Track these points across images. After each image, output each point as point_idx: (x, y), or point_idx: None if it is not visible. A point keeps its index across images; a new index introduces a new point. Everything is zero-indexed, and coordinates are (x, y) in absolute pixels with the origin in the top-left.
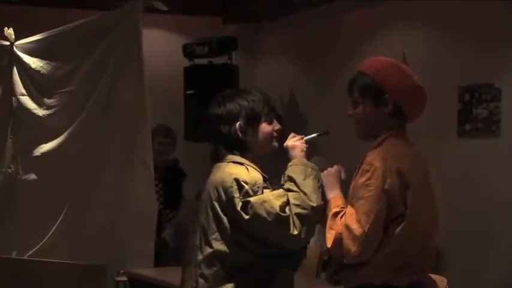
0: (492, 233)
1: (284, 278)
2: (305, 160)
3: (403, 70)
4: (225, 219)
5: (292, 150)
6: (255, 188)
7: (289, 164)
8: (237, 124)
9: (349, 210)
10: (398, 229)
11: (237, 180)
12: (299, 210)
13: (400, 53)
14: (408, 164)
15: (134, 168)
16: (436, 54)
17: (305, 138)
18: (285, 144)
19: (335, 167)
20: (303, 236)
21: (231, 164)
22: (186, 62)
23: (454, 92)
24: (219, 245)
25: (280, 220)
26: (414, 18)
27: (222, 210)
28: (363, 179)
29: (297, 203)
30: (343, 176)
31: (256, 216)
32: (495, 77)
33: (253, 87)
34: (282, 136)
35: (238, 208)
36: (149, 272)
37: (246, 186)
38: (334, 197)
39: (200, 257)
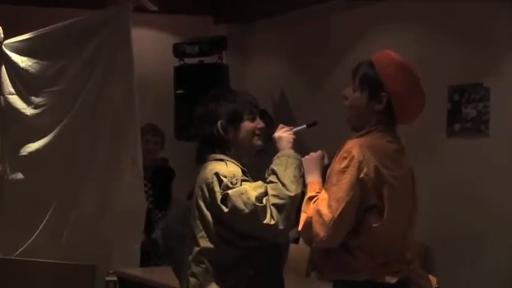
0: (481, 233)
1: (272, 274)
2: (289, 151)
3: (410, 74)
4: (209, 215)
5: (279, 142)
6: (234, 181)
7: (275, 156)
8: (219, 123)
9: (322, 195)
10: (376, 224)
11: (216, 175)
12: (276, 201)
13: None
14: (388, 159)
15: (123, 168)
16: (426, 54)
17: (294, 129)
18: (273, 135)
19: (318, 152)
20: (281, 226)
21: (213, 161)
22: (176, 62)
23: (444, 92)
24: (205, 242)
25: (256, 210)
26: (404, 19)
27: (206, 207)
28: (339, 166)
29: (274, 193)
30: (326, 161)
31: (234, 208)
32: (484, 77)
33: (243, 87)
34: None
35: (219, 202)
36: (139, 272)
37: (225, 180)
38: (312, 181)
39: (190, 257)
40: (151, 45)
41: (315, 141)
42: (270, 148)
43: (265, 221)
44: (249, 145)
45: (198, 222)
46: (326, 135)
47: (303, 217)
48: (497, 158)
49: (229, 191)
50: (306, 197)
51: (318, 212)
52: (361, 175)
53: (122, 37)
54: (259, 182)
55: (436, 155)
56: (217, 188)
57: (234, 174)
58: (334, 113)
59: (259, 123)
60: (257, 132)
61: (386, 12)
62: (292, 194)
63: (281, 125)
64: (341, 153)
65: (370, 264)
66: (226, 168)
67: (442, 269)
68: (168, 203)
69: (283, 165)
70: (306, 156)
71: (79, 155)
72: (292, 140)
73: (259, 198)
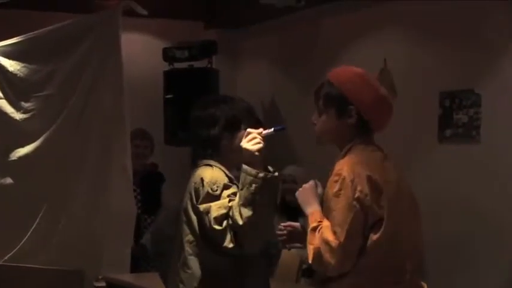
0: (472, 239)
1: (259, 280)
2: (248, 167)
3: (369, 81)
4: (195, 220)
5: (244, 155)
6: (214, 187)
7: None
8: (215, 128)
9: (325, 223)
10: (377, 235)
11: (202, 180)
12: (231, 223)
13: (381, 59)
14: (378, 169)
15: (112, 173)
16: (417, 60)
17: (263, 133)
18: (240, 144)
19: (310, 182)
20: (241, 249)
21: (203, 166)
22: (165, 66)
23: (435, 98)
24: (192, 247)
25: (215, 233)
26: (395, 24)
27: (193, 211)
28: (333, 190)
29: (231, 214)
30: (319, 190)
31: (203, 224)
32: (475, 82)
33: (233, 92)
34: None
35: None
36: (128, 277)
37: (206, 185)
38: (312, 212)
39: (178, 263)
40: (140, 50)
41: (308, 149)
42: None
43: (224, 244)
44: (241, 155)
45: (185, 227)
46: (310, 143)
47: (311, 249)
48: (489, 164)
49: (200, 207)
50: (309, 229)
51: (324, 241)
52: (357, 194)
53: (111, 41)
54: (225, 201)
55: (427, 160)
56: (201, 196)
57: (216, 180)
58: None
59: None
60: None
61: (377, 17)
62: (240, 223)
63: (248, 131)
64: (332, 177)
65: (373, 277)
66: (211, 173)
67: (433, 274)
68: (157, 208)
69: (241, 183)
70: (299, 189)
71: (68, 160)
72: (257, 153)
73: (218, 221)
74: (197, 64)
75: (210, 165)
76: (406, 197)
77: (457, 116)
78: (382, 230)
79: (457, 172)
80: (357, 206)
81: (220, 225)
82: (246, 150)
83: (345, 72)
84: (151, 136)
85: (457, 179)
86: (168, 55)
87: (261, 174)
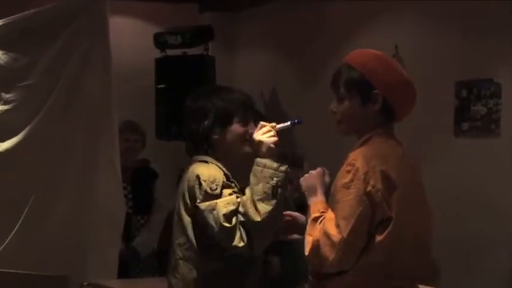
0: (489, 237)
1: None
2: (265, 160)
3: (392, 65)
4: (189, 221)
5: (258, 147)
6: (213, 186)
7: (254, 161)
8: (205, 122)
9: (329, 214)
10: (382, 236)
11: (198, 178)
12: (244, 220)
13: (392, 46)
14: (394, 165)
15: (99, 169)
16: (431, 47)
17: (277, 127)
18: (253, 136)
19: (317, 169)
20: (251, 248)
21: (197, 163)
22: (157, 53)
23: (450, 88)
24: (183, 251)
25: (224, 231)
26: (407, 8)
27: (186, 212)
28: (343, 181)
29: (242, 211)
30: (326, 178)
31: (206, 223)
32: (495, 71)
33: (230, 81)
34: None
35: (196, 208)
36: (116, 283)
37: (204, 184)
38: (315, 201)
39: (171, 266)
40: (130, 35)
41: (310, 142)
42: None
43: (233, 243)
44: (235, 151)
45: (176, 228)
46: (322, 136)
47: (309, 240)
48: (509, 159)
49: (202, 205)
50: (310, 219)
51: (325, 233)
52: (368, 188)
53: (98, 26)
54: (233, 197)
55: (442, 156)
56: (197, 194)
57: (214, 179)
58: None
59: (251, 129)
60: (247, 138)
61: (387, 1)
62: (257, 219)
63: (262, 123)
64: (344, 167)
65: (372, 279)
66: (208, 170)
67: (448, 273)
68: (149, 207)
69: (257, 177)
70: (305, 175)
71: (52, 155)
72: (273, 145)
73: (228, 217)
74: (191, 51)
75: (206, 162)
76: (419, 197)
77: (474, 107)
78: (388, 230)
79: (475, 169)
80: (367, 201)
81: (230, 222)
82: (261, 142)
83: (365, 54)
84: (142, 129)
85: (474, 176)
86: (159, 41)
87: (283, 168)
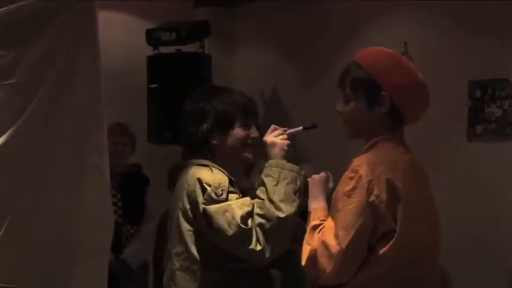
0: (506, 247)
1: None
2: (282, 161)
3: (404, 64)
4: (188, 229)
5: (271, 148)
6: (219, 191)
7: (266, 164)
8: (204, 125)
9: (329, 223)
10: (384, 248)
11: (199, 182)
12: (262, 221)
13: (400, 43)
14: (401, 174)
15: (86, 175)
16: (442, 44)
17: (288, 131)
18: (264, 138)
19: (321, 173)
20: (267, 253)
21: (195, 166)
22: (149, 51)
23: (463, 88)
24: (180, 261)
25: (241, 233)
26: (416, 4)
27: (185, 219)
28: (345, 188)
29: (261, 212)
30: (330, 184)
31: (217, 227)
32: (510, 70)
33: (227, 80)
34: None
35: (200, 215)
36: None
37: (209, 189)
38: (316, 208)
39: (165, 277)
40: (120, 32)
41: (313, 144)
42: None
43: (250, 247)
44: (236, 156)
45: (174, 237)
46: (324, 137)
47: (307, 250)
48: None
49: (212, 207)
50: (309, 227)
51: (324, 244)
52: (371, 198)
53: (86, 22)
54: (247, 199)
55: (454, 160)
56: (200, 198)
57: (219, 184)
58: (334, 112)
59: (253, 133)
60: (248, 142)
61: None
62: (281, 216)
63: (274, 126)
64: (347, 173)
65: None
66: (211, 175)
67: (461, 277)
68: (140, 216)
69: (275, 178)
70: (308, 180)
71: (36, 160)
72: (286, 148)
73: (244, 219)
74: (186, 48)
75: (206, 166)
76: (427, 208)
77: (489, 109)
78: (391, 242)
79: (489, 174)
80: (369, 211)
81: (246, 224)
82: (274, 143)
83: (375, 52)
84: (132, 132)
85: (489, 182)
86: (152, 38)
87: (302, 172)
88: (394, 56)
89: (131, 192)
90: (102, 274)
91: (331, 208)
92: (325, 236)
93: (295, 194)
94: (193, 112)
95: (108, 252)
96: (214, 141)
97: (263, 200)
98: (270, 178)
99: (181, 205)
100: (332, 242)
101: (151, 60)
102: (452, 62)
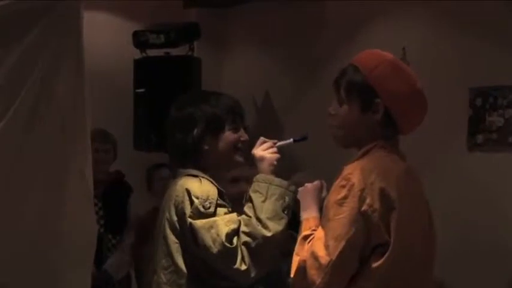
0: (506, 257)
1: None
2: (270, 176)
3: (404, 71)
4: (174, 241)
5: (260, 162)
6: (206, 204)
7: (254, 179)
8: (195, 131)
9: (318, 233)
10: (378, 262)
11: (188, 193)
12: (248, 240)
13: (398, 48)
14: (395, 182)
15: (69, 183)
16: (442, 50)
17: (278, 144)
18: (252, 151)
19: (314, 182)
20: (252, 272)
21: (185, 177)
22: (136, 54)
23: (464, 96)
24: (167, 275)
25: (225, 252)
26: (417, 6)
27: (171, 231)
28: (336, 197)
29: (247, 230)
30: (324, 193)
31: (202, 243)
32: None
33: (218, 85)
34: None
35: (187, 228)
36: None
37: (196, 201)
38: (307, 218)
39: None
40: (106, 33)
41: (308, 150)
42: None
43: (234, 266)
44: (227, 160)
45: (161, 249)
46: (320, 144)
47: (296, 261)
48: None
49: (198, 223)
50: (300, 237)
51: (313, 255)
52: (364, 207)
53: (70, 23)
54: (233, 215)
55: (454, 171)
56: (187, 211)
57: (208, 196)
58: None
59: (242, 136)
60: (239, 145)
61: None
62: (268, 234)
63: (262, 139)
64: (338, 180)
65: None
66: (200, 186)
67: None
68: (123, 226)
69: (263, 194)
70: (300, 188)
71: (16, 167)
72: (276, 162)
73: (230, 237)
74: (175, 51)
75: (195, 176)
76: (422, 218)
77: (490, 118)
78: (385, 256)
79: (490, 185)
80: (361, 221)
81: (231, 243)
82: (263, 158)
83: (373, 56)
84: (113, 138)
85: (489, 193)
86: (139, 40)
87: (292, 188)
88: (394, 62)
89: (113, 201)
90: (84, 285)
91: (322, 217)
92: (314, 246)
93: (283, 211)
94: (182, 119)
95: (91, 262)
96: (206, 147)
97: (250, 217)
98: (258, 194)
99: (168, 216)
100: (322, 253)
101: (138, 63)
102: (452, 68)
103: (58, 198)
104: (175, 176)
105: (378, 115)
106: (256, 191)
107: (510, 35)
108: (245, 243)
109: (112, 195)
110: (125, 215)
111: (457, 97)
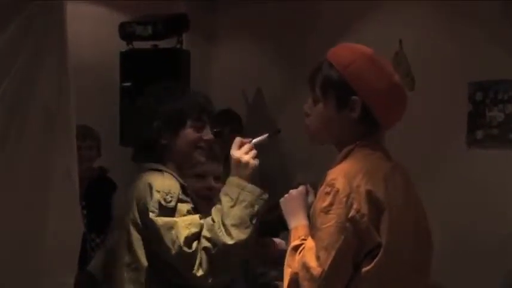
0: (505, 254)
1: None
2: (244, 182)
3: (382, 67)
4: (137, 236)
5: (241, 167)
6: (168, 198)
7: (227, 181)
8: (154, 124)
9: (309, 243)
10: (368, 267)
11: (150, 188)
12: (208, 246)
13: (395, 40)
14: (381, 183)
15: (53, 182)
16: (441, 43)
17: (253, 141)
18: (232, 152)
19: (300, 188)
20: (209, 279)
21: (149, 171)
22: (123, 46)
23: (463, 90)
24: (130, 271)
25: (182, 255)
26: None
27: (134, 226)
28: (322, 204)
29: (208, 236)
30: (310, 198)
31: (161, 242)
32: None
33: (207, 79)
34: None
35: (149, 224)
36: None
37: (158, 195)
38: (296, 226)
39: None
40: (91, 25)
41: (303, 150)
42: None
43: (191, 271)
44: (187, 159)
45: (124, 245)
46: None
47: (287, 273)
48: None
49: (159, 221)
50: (290, 247)
51: (305, 266)
52: (351, 213)
53: (54, 14)
54: (196, 217)
55: (453, 168)
56: (149, 206)
57: (169, 190)
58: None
59: (206, 135)
60: (201, 144)
61: None
62: (230, 242)
63: (239, 139)
64: (323, 187)
65: None
66: (162, 180)
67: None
68: (106, 225)
69: (233, 199)
70: (285, 196)
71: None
72: (254, 167)
73: (188, 241)
74: (163, 44)
75: (159, 170)
76: (415, 217)
77: (490, 113)
78: (377, 259)
79: (489, 182)
80: (350, 228)
81: (190, 247)
82: (247, 163)
83: (348, 51)
84: (96, 134)
85: (489, 191)
86: (126, 32)
87: (265, 196)
88: (370, 57)
89: (96, 198)
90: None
91: (310, 226)
92: (305, 257)
93: (251, 219)
94: (144, 111)
95: (75, 263)
96: (164, 142)
97: (214, 222)
98: (228, 198)
99: (131, 212)
100: (313, 264)
101: (124, 56)
102: (451, 62)
103: (43, 198)
104: (138, 170)
105: (355, 113)
106: (226, 194)
107: (510, 28)
108: (205, 249)
109: (95, 192)
110: (108, 213)
111: (456, 92)
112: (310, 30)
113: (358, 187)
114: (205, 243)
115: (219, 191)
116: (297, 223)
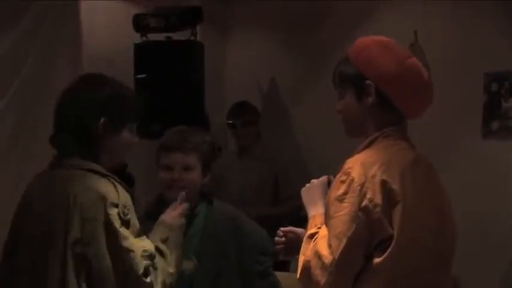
0: None
1: None
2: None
3: (392, 50)
4: (75, 253)
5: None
6: (125, 211)
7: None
8: (102, 119)
9: (322, 231)
10: (380, 258)
11: (104, 200)
12: (163, 278)
13: (410, 32)
14: (399, 173)
15: None
16: (455, 33)
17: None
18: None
19: (321, 178)
20: None
21: (90, 174)
22: (137, 38)
23: (479, 81)
24: None
25: (139, 285)
26: None
27: (73, 243)
28: (336, 193)
29: (159, 266)
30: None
31: (123, 261)
32: None
33: (221, 70)
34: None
35: (99, 239)
36: None
37: (116, 210)
38: (314, 215)
39: None
40: (105, 17)
41: (318, 141)
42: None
43: None
44: (115, 160)
45: (53, 262)
46: (330, 134)
47: (301, 261)
48: None
49: (123, 239)
50: (306, 235)
51: (317, 254)
52: (364, 202)
53: (67, 7)
54: (149, 243)
55: (468, 159)
56: (100, 216)
57: (125, 202)
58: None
59: (135, 139)
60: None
61: None
62: (172, 269)
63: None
64: (338, 175)
65: None
66: (115, 191)
67: (475, 280)
68: None
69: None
70: (307, 185)
71: (9, 161)
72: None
73: (146, 271)
74: (177, 36)
75: (102, 175)
76: (436, 211)
77: (506, 104)
78: (388, 251)
79: (505, 174)
80: (363, 217)
81: (146, 276)
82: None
83: (362, 40)
84: None
85: (505, 182)
86: (140, 24)
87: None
88: (380, 42)
89: None
90: None
91: (324, 214)
92: (318, 245)
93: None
94: (91, 99)
95: None
96: (106, 140)
97: (166, 256)
98: (174, 236)
99: (67, 224)
100: (325, 252)
101: (138, 48)
102: (466, 52)
103: None
104: (62, 165)
105: (371, 98)
106: (179, 237)
107: None
108: (162, 282)
109: None
110: None
111: (472, 82)
112: (323, 21)
113: (374, 177)
114: (161, 276)
115: (191, 181)
116: (316, 211)
